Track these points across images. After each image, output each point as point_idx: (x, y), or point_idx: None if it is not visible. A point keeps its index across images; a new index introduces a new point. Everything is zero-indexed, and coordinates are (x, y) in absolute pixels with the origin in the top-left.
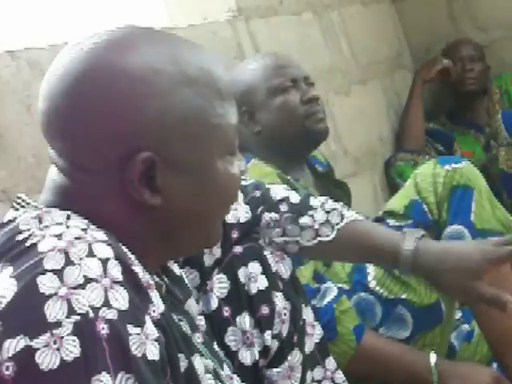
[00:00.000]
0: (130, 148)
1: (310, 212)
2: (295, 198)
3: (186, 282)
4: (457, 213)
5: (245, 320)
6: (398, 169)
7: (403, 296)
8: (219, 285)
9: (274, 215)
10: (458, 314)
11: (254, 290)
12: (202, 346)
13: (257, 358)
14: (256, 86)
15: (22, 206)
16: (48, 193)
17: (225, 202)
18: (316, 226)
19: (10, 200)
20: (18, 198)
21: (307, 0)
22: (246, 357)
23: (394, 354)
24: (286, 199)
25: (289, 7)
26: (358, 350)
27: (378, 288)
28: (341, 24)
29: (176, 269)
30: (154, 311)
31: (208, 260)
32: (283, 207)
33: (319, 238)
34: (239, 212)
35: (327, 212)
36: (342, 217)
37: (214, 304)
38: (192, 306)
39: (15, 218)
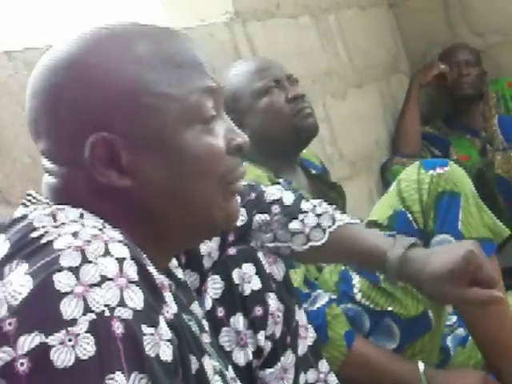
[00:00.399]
0: (87, 132)
1: (301, 216)
2: (289, 199)
3: (190, 286)
4: (444, 221)
5: (238, 320)
6: (394, 172)
7: (389, 308)
8: (213, 285)
9: (265, 217)
10: (453, 319)
11: (247, 291)
12: (209, 347)
13: (250, 358)
14: (240, 92)
15: (32, 203)
16: (44, 192)
17: (206, 173)
18: (306, 231)
19: (6, 201)
20: (28, 194)
21: (304, 3)
22: (240, 357)
23: (383, 361)
24: (278, 200)
25: (286, 10)
26: (348, 356)
27: (363, 300)
28: (338, 27)
29: (180, 273)
30: (167, 312)
31: (207, 263)
32: (275, 209)
33: (310, 243)
34: None
35: (318, 215)
36: (334, 220)
37: (208, 305)
38: (196, 309)
39: (26, 215)
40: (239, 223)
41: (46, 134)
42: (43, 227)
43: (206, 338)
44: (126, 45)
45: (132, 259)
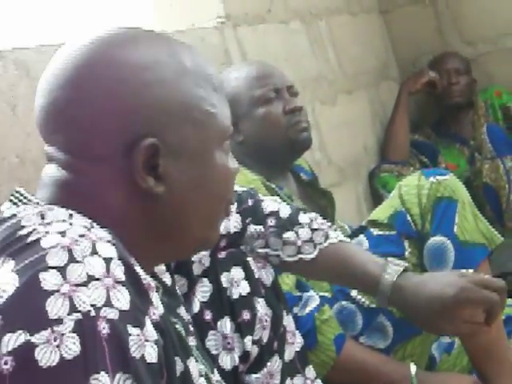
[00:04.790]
0: (134, 134)
1: (296, 228)
2: (285, 212)
3: (177, 291)
4: (440, 224)
5: (226, 324)
6: (382, 180)
7: None
8: (202, 288)
9: (259, 228)
10: None
11: (235, 295)
12: (194, 350)
13: (236, 362)
14: (239, 96)
15: (22, 202)
16: (45, 189)
17: (222, 195)
18: (299, 243)
19: None
20: (17, 192)
21: (295, 9)
22: (226, 361)
23: (374, 365)
24: (275, 213)
25: (277, 15)
26: (337, 361)
27: (359, 297)
28: (328, 33)
29: (167, 279)
30: (153, 313)
31: (197, 269)
32: (270, 221)
33: (300, 256)
34: (230, 222)
35: (313, 230)
36: (327, 237)
37: (196, 307)
38: (182, 314)
39: (16, 214)
40: (233, 230)
41: (75, 126)
42: (31, 225)
43: (191, 341)
44: (175, 55)
45: (119, 259)
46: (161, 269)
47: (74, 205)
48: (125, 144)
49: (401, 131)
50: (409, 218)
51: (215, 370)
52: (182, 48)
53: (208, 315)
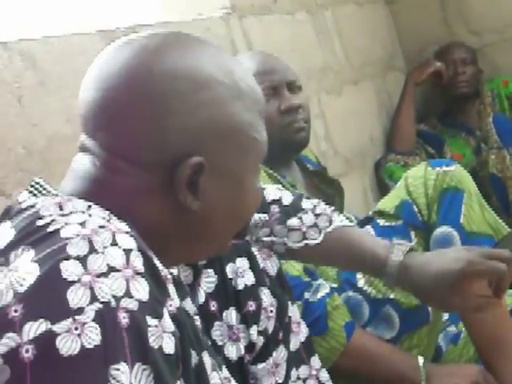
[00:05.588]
0: (183, 150)
1: (300, 214)
2: (288, 199)
3: (183, 281)
4: (446, 214)
5: (231, 315)
6: (388, 170)
7: (391, 296)
8: (207, 279)
9: (263, 216)
10: (445, 316)
11: (241, 286)
12: (208, 344)
13: (242, 353)
14: None
15: (41, 193)
16: (77, 181)
17: (247, 216)
18: (304, 229)
19: (0, 191)
20: (36, 183)
21: None
22: (232, 351)
23: (382, 353)
24: (277, 201)
25: (282, 6)
26: (347, 347)
27: (366, 287)
28: (334, 24)
29: (174, 269)
30: (170, 305)
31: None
32: (274, 209)
33: (306, 241)
34: None
35: (316, 215)
36: (331, 221)
37: (201, 298)
38: (188, 306)
39: (34, 205)
40: None
41: (127, 129)
42: (49, 216)
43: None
44: (232, 75)
45: (139, 251)
46: None
47: (106, 202)
48: (173, 159)
49: (407, 121)
50: (415, 209)
51: (223, 367)
52: (237, 66)
53: (213, 306)
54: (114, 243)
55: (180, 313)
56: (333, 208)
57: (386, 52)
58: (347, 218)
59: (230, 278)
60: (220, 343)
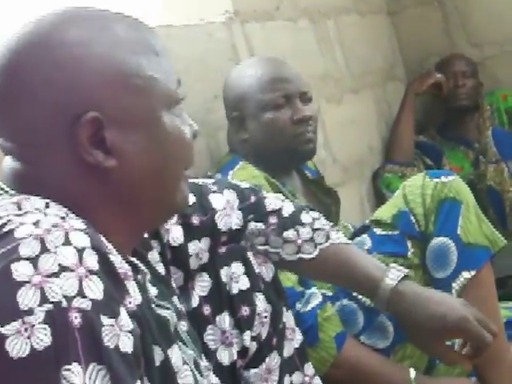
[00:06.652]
0: (74, 112)
1: (297, 227)
2: (287, 210)
3: (172, 281)
4: (443, 225)
5: (225, 319)
6: (386, 180)
7: None
8: (201, 283)
9: (260, 225)
10: None
11: (235, 290)
12: (185, 335)
13: (235, 358)
14: (249, 96)
15: None
16: (7, 182)
17: (177, 157)
18: (299, 242)
19: None
20: None
21: (304, 7)
22: (224, 356)
23: (374, 365)
24: (277, 211)
25: (285, 13)
26: (337, 359)
27: (360, 296)
28: (336, 33)
29: (160, 268)
30: (130, 302)
31: (194, 263)
32: (272, 219)
33: (300, 255)
34: (232, 219)
35: (314, 230)
36: (328, 238)
37: (195, 302)
38: (175, 302)
39: None
40: (234, 227)
41: (14, 115)
42: (6, 216)
43: (183, 326)
44: (106, 27)
45: (93, 248)
46: (154, 257)
47: (32, 195)
48: (66, 124)
49: (406, 132)
50: (412, 218)
51: (203, 356)
52: (116, 20)
53: (207, 310)
54: (67, 242)
55: (141, 310)
56: (331, 224)
57: (386, 62)
58: (344, 227)
59: (225, 283)
60: (212, 348)
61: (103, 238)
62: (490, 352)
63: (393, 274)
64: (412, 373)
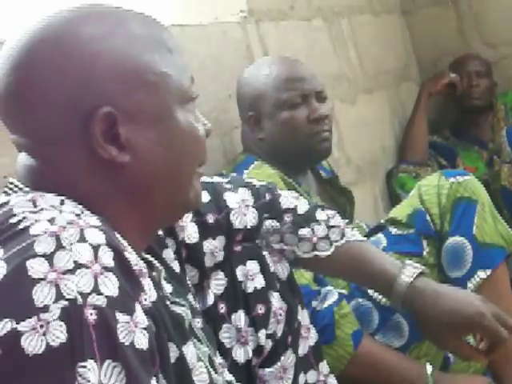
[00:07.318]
0: (88, 107)
1: (312, 224)
2: (303, 208)
3: (187, 279)
4: (459, 225)
5: (240, 318)
6: (400, 180)
7: None
8: (216, 281)
9: (275, 224)
10: None
11: (250, 289)
12: (200, 332)
13: (250, 356)
14: (265, 95)
15: (13, 191)
16: (22, 179)
17: (191, 154)
18: (314, 240)
19: None
20: (10, 183)
21: (318, 6)
22: (240, 354)
23: (390, 362)
24: (292, 209)
25: (299, 12)
26: (354, 356)
27: (376, 294)
28: (350, 32)
29: (175, 266)
30: (145, 299)
31: (209, 261)
32: (287, 217)
33: (316, 252)
34: (247, 217)
35: (329, 227)
36: (343, 235)
37: (210, 300)
38: (190, 299)
39: (8, 202)
40: (249, 225)
41: (28, 111)
42: (22, 213)
43: (198, 323)
44: (120, 24)
45: (108, 245)
46: (169, 255)
47: (46, 192)
48: (80, 119)
49: (420, 132)
50: (428, 218)
51: (217, 353)
52: (130, 16)
53: (222, 308)
54: (82, 239)
55: (156, 307)
56: (346, 221)
57: (400, 62)
58: (358, 227)
59: (240, 281)
60: (228, 346)
61: (118, 235)
62: (506, 349)
63: (409, 271)
64: (429, 368)
